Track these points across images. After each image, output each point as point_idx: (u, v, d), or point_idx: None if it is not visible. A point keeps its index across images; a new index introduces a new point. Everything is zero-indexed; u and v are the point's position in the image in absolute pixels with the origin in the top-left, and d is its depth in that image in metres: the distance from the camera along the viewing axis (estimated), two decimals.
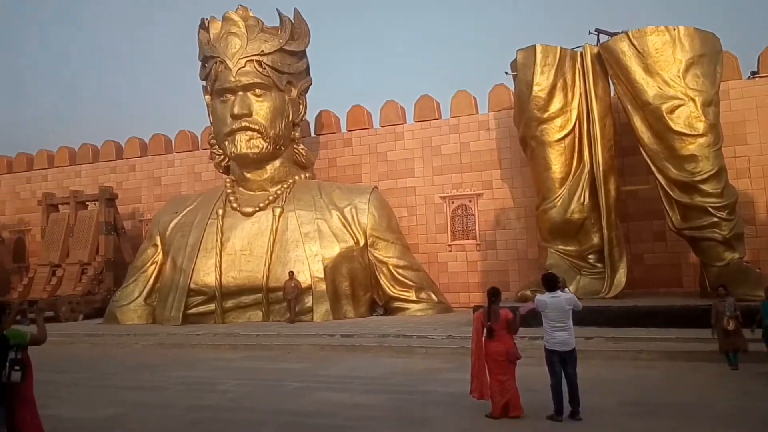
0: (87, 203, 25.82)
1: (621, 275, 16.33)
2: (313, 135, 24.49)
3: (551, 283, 7.86)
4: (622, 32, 16.11)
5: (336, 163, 23.95)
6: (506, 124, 21.12)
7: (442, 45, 57.76)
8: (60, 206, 26.27)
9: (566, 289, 8.67)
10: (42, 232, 26.16)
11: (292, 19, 20.63)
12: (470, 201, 21.94)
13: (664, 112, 15.23)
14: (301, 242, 19.36)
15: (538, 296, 7.97)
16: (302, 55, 21.21)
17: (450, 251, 22.09)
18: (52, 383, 10.53)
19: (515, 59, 17.27)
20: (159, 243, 21.08)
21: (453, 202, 22.20)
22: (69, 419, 8.21)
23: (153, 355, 14.81)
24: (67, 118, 60.94)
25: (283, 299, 18.73)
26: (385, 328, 16.09)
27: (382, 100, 23.99)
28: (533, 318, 8.17)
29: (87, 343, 17.34)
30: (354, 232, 19.82)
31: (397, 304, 19.63)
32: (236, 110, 19.64)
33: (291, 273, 18.65)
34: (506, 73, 17.97)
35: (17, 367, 5.44)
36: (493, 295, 7.85)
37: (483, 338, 7.79)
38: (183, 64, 40.42)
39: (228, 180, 21.33)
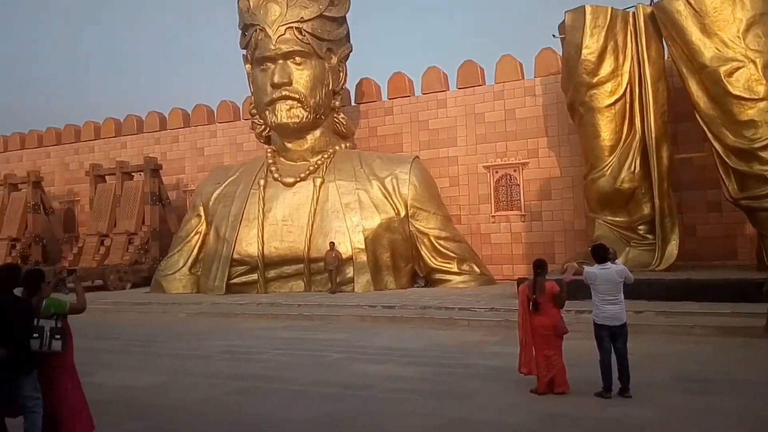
0: (133, 174, 26.23)
1: (673, 247, 15.76)
2: (353, 103, 24.17)
3: (601, 254, 7.48)
4: None
5: (377, 133, 23.63)
6: (553, 90, 20.38)
7: (486, 8, 56.40)
8: (107, 177, 26.77)
9: (616, 261, 8.30)
10: (90, 203, 26.75)
11: None
12: (515, 170, 21.41)
13: (722, 75, 14.44)
14: (342, 213, 19.25)
15: (587, 268, 7.62)
16: (342, 21, 20.86)
17: (493, 222, 21.66)
18: (98, 350, 10.74)
19: (563, 21, 16.63)
20: (202, 213, 21.28)
21: (497, 172, 21.70)
22: (112, 387, 8.28)
23: (197, 324, 15.00)
24: (113, 90, 62.02)
25: (325, 270, 18.73)
26: (426, 299, 15.93)
27: (424, 66, 23.41)
28: (579, 290, 7.82)
29: (134, 312, 17.73)
30: (395, 203, 19.59)
31: (438, 275, 19.41)
32: (276, 79, 19.48)
33: (332, 243, 18.59)
34: (554, 36, 17.38)
35: (57, 336, 5.44)
36: (539, 267, 7.54)
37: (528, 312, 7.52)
38: (224, 33, 40.55)
39: (269, 150, 21.28)
